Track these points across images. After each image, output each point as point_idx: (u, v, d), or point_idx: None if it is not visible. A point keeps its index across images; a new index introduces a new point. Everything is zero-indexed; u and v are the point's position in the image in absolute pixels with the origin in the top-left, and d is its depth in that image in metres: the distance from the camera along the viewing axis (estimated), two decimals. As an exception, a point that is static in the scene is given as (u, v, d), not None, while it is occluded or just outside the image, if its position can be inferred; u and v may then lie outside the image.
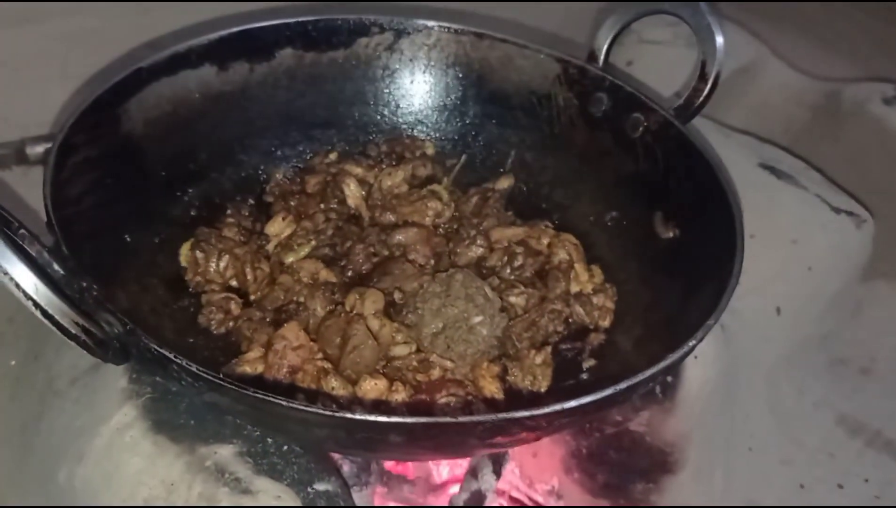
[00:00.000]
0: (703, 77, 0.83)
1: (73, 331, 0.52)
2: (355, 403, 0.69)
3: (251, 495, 0.63)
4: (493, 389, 0.74)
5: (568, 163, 0.92)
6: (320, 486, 0.66)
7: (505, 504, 0.88)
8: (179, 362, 0.52)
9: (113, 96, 0.76)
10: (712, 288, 0.68)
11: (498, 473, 0.85)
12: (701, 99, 0.83)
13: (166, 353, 0.53)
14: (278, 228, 0.85)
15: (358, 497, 0.77)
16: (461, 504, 0.80)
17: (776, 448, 1.07)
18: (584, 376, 0.77)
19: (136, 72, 0.78)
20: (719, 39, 0.82)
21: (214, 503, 0.62)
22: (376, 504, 0.81)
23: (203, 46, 0.83)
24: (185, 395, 0.68)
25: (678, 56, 1.31)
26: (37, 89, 1.20)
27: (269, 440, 0.68)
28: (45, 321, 0.51)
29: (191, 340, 0.74)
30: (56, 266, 0.58)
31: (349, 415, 0.51)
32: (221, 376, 0.52)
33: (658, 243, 0.82)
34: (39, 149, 1.12)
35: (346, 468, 0.77)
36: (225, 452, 0.66)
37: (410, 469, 0.86)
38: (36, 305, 0.50)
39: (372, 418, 0.51)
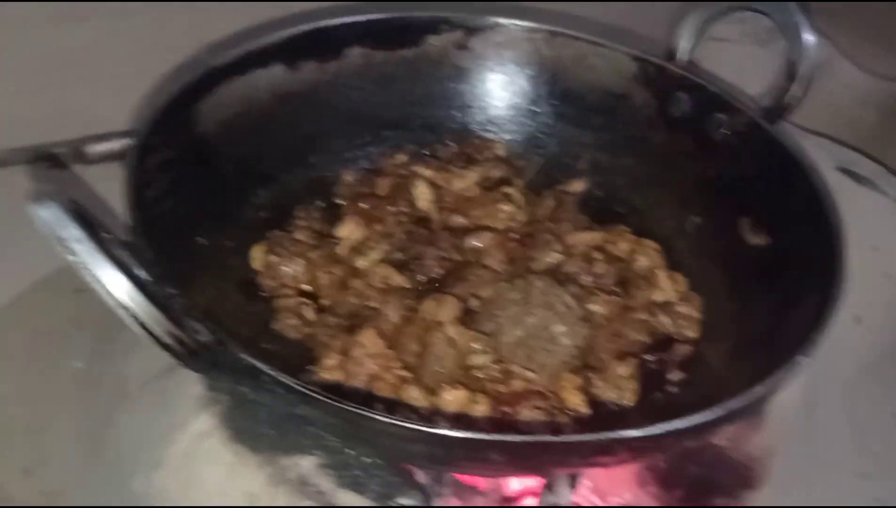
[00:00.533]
0: (791, 77, 0.80)
1: (167, 341, 0.50)
2: (437, 414, 0.67)
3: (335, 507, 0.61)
4: (576, 402, 0.71)
5: (645, 165, 0.89)
6: (403, 500, 0.64)
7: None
8: (273, 374, 0.50)
9: (186, 97, 0.74)
10: (812, 299, 0.65)
11: (573, 486, 0.82)
12: (790, 100, 0.80)
13: (258, 364, 0.51)
14: (349, 231, 0.82)
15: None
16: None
17: (853, 462, 1.04)
18: (673, 389, 0.74)
19: (208, 72, 0.76)
20: (810, 38, 0.79)
21: (299, 516, 0.60)
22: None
23: (274, 45, 0.82)
24: (263, 404, 0.66)
25: (746, 54, 1.27)
26: (95, 88, 1.20)
27: (350, 451, 0.66)
28: (139, 330, 0.49)
29: (265, 346, 0.72)
30: (141, 272, 0.56)
31: (451, 433, 0.49)
32: (316, 389, 0.50)
33: (746, 250, 0.79)
34: (99, 148, 1.12)
35: (419, 477, 0.75)
36: (306, 464, 0.64)
37: (482, 480, 0.83)
38: (130, 314, 0.48)
39: (490, 437, 0.48)
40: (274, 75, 0.83)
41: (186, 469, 0.65)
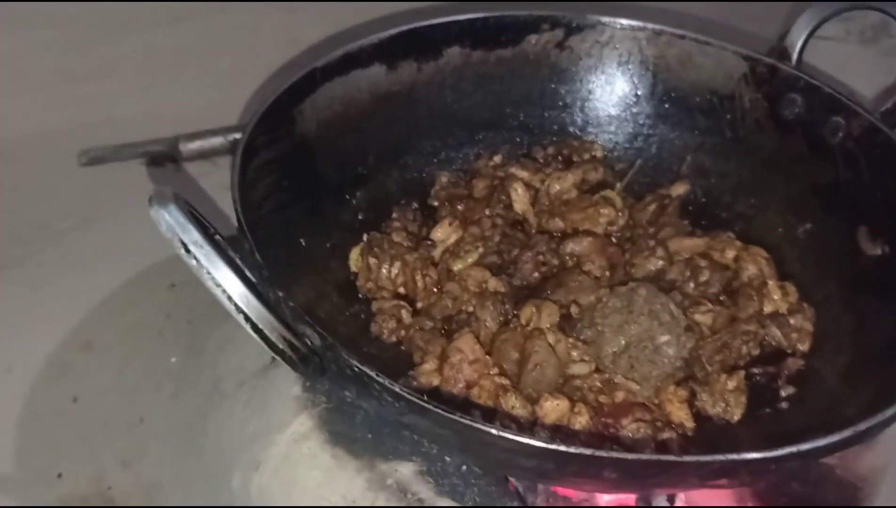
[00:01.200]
0: (916, 77, 0.75)
1: (281, 346, 0.50)
2: (536, 424, 0.65)
3: (435, 516, 0.60)
4: (682, 416, 0.69)
5: (753, 169, 0.85)
6: (501, 510, 0.63)
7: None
8: (382, 381, 0.50)
9: (289, 97, 0.74)
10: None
11: (671, 501, 0.79)
12: (913, 102, 0.75)
13: (369, 372, 0.50)
14: (445, 233, 0.81)
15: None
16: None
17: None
18: (783, 405, 0.70)
19: (311, 72, 0.76)
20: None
21: (400, 523, 0.59)
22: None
23: (374, 45, 0.81)
24: (361, 407, 0.66)
25: (851, 53, 1.22)
26: (188, 87, 1.22)
27: (448, 459, 0.65)
28: (254, 334, 0.49)
29: (364, 349, 0.71)
30: (250, 275, 0.56)
31: (569, 448, 0.47)
32: (428, 399, 0.49)
33: (863, 260, 0.74)
34: (192, 146, 1.14)
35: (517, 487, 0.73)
36: (405, 470, 0.63)
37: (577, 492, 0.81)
38: (246, 318, 0.48)
39: (606, 454, 0.46)
40: (374, 75, 0.82)
41: (286, 471, 0.65)
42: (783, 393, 0.71)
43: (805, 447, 0.49)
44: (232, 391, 0.78)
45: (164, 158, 1.15)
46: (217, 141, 1.13)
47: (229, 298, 0.48)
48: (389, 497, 0.61)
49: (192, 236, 0.47)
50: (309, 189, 0.76)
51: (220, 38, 1.30)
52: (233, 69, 1.26)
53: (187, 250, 0.47)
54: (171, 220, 0.47)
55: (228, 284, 0.48)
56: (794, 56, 0.83)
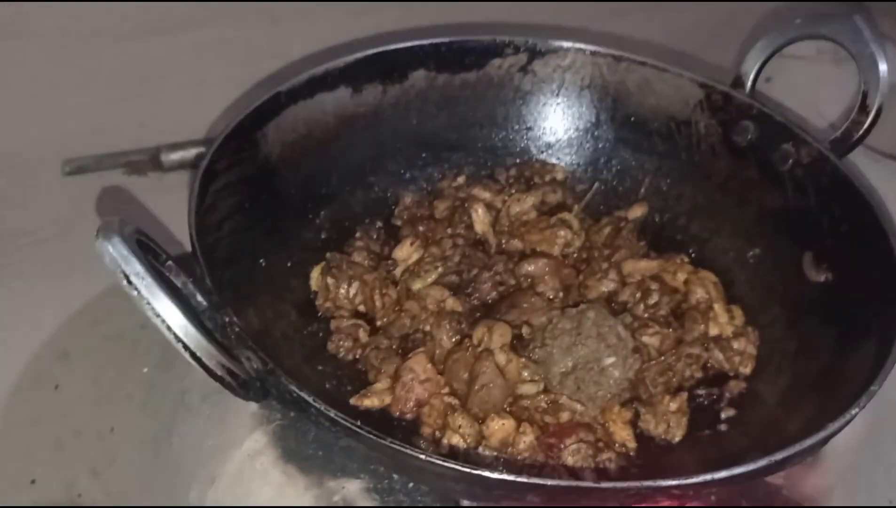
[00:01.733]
0: (863, 109, 0.78)
1: (219, 373, 0.52)
2: (482, 445, 0.67)
3: (378, 534, 0.62)
4: (624, 436, 0.71)
5: (707, 193, 0.88)
6: (446, 528, 0.65)
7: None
8: (319, 407, 0.52)
9: (253, 121, 0.76)
10: (872, 343, 0.64)
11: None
12: (861, 133, 0.77)
13: (306, 397, 0.52)
14: (406, 253, 0.84)
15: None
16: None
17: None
18: (722, 427, 0.72)
19: (275, 96, 0.78)
20: (883, 68, 0.77)
21: (342, 540, 0.61)
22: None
23: (339, 69, 0.83)
24: (313, 425, 0.68)
25: (822, 73, 1.23)
26: (171, 97, 1.24)
27: (395, 476, 0.67)
28: (192, 362, 0.51)
29: (319, 367, 0.74)
30: (199, 298, 0.58)
31: (490, 474, 0.49)
32: (358, 424, 0.51)
33: (807, 286, 0.77)
34: (174, 156, 1.15)
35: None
36: (353, 487, 0.65)
37: None
38: (185, 347, 0.50)
39: (529, 480, 0.49)
40: (339, 98, 0.85)
41: (238, 487, 0.67)
42: (724, 415, 0.73)
43: (721, 475, 0.51)
44: (196, 405, 0.80)
45: (146, 168, 1.17)
46: (199, 151, 1.15)
47: (168, 328, 0.50)
48: (335, 513, 0.63)
49: (134, 267, 0.49)
50: (271, 210, 0.78)
51: (203, 50, 1.31)
52: (216, 80, 1.28)
53: (129, 282, 0.49)
54: (113, 252, 0.49)
55: (168, 314, 0.50)
56: (748, 84, 0.85)
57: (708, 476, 0.50)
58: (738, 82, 0.85)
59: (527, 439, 0.68)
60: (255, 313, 0.70)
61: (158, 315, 0.50)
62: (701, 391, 0.75)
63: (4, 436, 0.85)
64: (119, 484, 0.83)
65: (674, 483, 0.50)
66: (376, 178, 0.89)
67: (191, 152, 1.16)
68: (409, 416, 0.70)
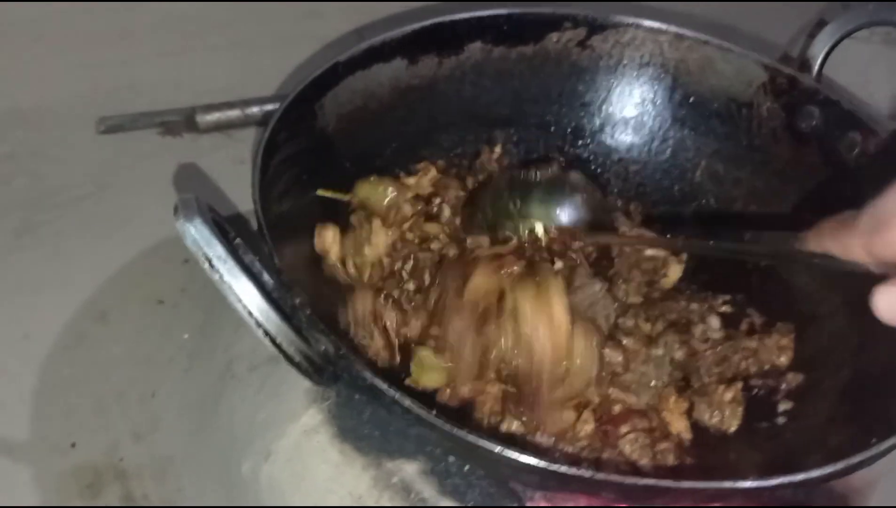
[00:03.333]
0: (936, 98, 0.75)
1: (297, 359, 0.51)
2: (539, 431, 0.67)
3: (437, 516, 0.62)
4: (680, 426, 0.70)
5: (766, 178, 0.86)
6: (501, 510, 0.65)
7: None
8: (393, 394, 0.51)
9: (312, 92, 0.75)
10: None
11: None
12: (933, 124, 0.75)
13: (380, 384, 0.52)
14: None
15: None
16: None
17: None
18: (780, 420, 0.72)
19: (334, 66, 0.77)
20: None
21: (402, 521, 0.61)
22: None
23: (397, 39, 0.81)
24: (370, 404, 0.68)
25: (874, 54, 1.21)
26: (208, 57, 1.22)
27: (451, 459, 0.66)
28: (271, 347, 0.51)
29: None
30: (266, 277, 0.57)
31: (565, 470, 0.49)
32: (435, 413, 0.51)
33: (871, 277, 0.75)
34: (209, 118, 1.14)
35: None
36: (410, 469, 0.65)
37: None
38: (265, 332, 0.50)
39: (596, 475, 0.48)
40: (395, 69, 0.83)
41: (296, 463, 0.67)
42: (781, 408, 0.72)
43: (799, 477, 0.50)
44: (244, 375, 0.79)
45: (180, 129, 1.15)
46: (234, 114, 1.14)
47: (249, 313, 0.49)
48: (393, 495, 0.63)
49: (217, 250, 0.48)
50: (324, 184, 0.77)
51: (241, 10, 1.29)
52: (253, 42, 1.26)
53: (211, 265, 0.48)
54: (196, 234, 0.48)
55: (249, 298, 0.49)
56: (815, 68, 0.82)
57: (784, 479, 0.49)
58: (804, 66, 0.83)
59: (588, 427, 0.67)
60: (314, 292, 0.69)
61: (241, 300, 0.49)
62: (757, 382, 0.74)
63: (43, 398, 0.85)
64: (163, 449, 0.84)
65: (747, 485, 0.49)
66: (429, 151, 0.87)
67: (226, 115, 1.14)
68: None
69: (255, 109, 1.13)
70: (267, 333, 0.50)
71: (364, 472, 0.64)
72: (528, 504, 0.70)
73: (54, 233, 1.01)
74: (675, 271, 0.79)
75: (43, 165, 1.08)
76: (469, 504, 0.64)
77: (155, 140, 1.13)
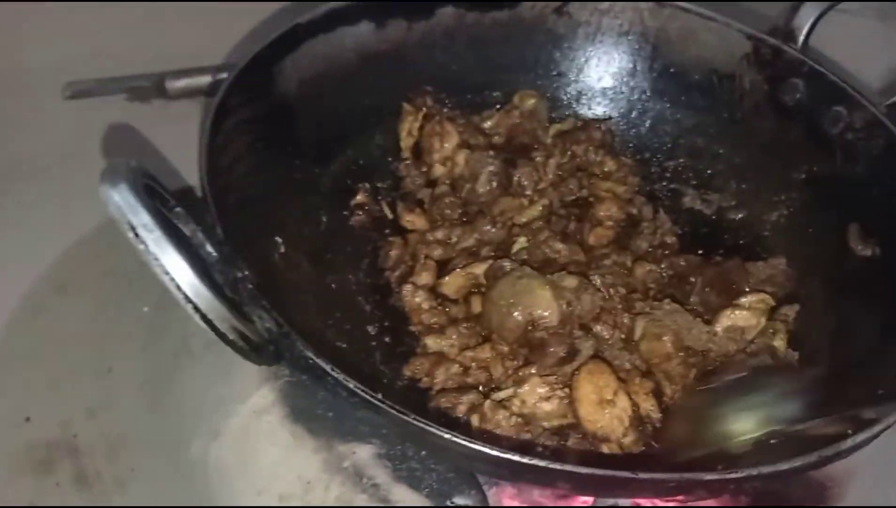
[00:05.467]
0: (925, 72, 0.72)
1: (231, 337, 0.48)
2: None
3: (389, 504, 0.59)
4: (648, 407, 0.67)
5: (747, 153, 0.83)
6: (459, 500, 0.62)
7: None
8: (337, 376, 0.48)
9: (269, 54, 0.71)
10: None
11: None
12: (922, 98, 0.72)
13: (324, 365, 0.48)
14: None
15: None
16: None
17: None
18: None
19: (294, 28, 0.73)
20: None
21: None
22: (504, 504, 0.76)
23: (362, 2, 0.77)
24: (329, 394, 0.65)
25: (866, 29, 1.17)
26: (178, 22, 1.18)
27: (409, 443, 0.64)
28: (202, 324, 0.47)
29: (331, 321, 0.69)
30: (209, 248, 0.54)
31: (524, 459, 0.46)
32: (381, 397, 0.48)
33: (852, 259, 0.72)
34: (179, 84, 1.10)
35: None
36: (363, 453, 0.62)
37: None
38: (196, 308, 0.46)
39: (554, 466, 0.45)
40: (361, 33, 0.79)
41: (245, 445, 0.64)
42: (756, 391, 0.69)
43: (767, 469, 0.47)
44: (199, 352, 0.76)
45: (150, 95, 1.12)
46: (204, 80, 1.10)
47: (178, 286, 0.46)
48: (345, 479, 0.60)
49: (142, 218, 0.45)
50: (286, 151, 0.74)
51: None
52: (224, 6, 1.22)
53: (136, 234, 0.45)
54: (119, 200, 0.45)
55: (177, 272, 0.46)
56: (800, 39, 0.79)
57: (752, 472, 0.47)
58: (789, 37, 0.79)
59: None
60: (266, 265, 0.65)
61: (167, 273, 0.45)
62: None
63: (-1, 370, 0.82)
64: (117, 427, 0.81)
65: (712, 477, 0.46)
66: (397, 120, 0.84)
67: (197, 80, 1.10)
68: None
69: (226, 75, 1.10)
70: (197, 309, 0.46)
71: (314, 455, 0.62)
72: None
73: (16, 204, 0.98)
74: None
75: (7, 131, 1.05)
76: (425, 491, 0.61)
77: (123, 106, 1.10)
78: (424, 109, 0.81)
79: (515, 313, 0.63)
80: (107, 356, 0.85)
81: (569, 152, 0.83)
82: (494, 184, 0.77)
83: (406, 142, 0.82)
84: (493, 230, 0.75)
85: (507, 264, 0.68)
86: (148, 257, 0.45)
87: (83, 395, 0.82)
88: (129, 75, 1.10)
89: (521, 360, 0.64)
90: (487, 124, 0.84)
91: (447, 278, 0.69)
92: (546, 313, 0.63)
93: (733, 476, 0.46)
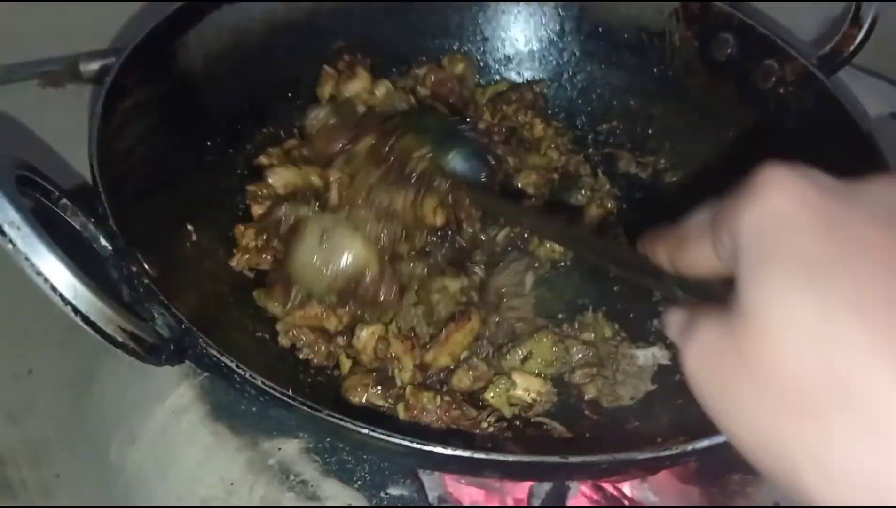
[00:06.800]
0: (856, 21, 0.70)
1: (120, 339, 0.44)
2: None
3: (318, 501, 0.56)
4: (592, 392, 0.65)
5: (680, 113, 0.80)
6: (394, 490, 0.59)
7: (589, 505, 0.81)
8: (243, 373, 0.45)
9: (169, 29, 0.66)
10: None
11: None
12: (852, 48, 0.70)
13: (228, 361, 0.45)
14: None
15: (428, 480, 0.70)
16: (543, 495, 0.73)
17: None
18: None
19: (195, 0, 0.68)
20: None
21: (278, 508, 0.55)
22: (449, 490, 0.74)
23: (270, -31, 0.73)
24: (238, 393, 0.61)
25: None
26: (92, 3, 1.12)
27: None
28: (86, 327, 0.43)
29: (246, 318, 0.65)
30: (103, 241, 0.49)
31: (443, 450, 0.43)
32: (291, 392, 0.44)
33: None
34: (94, 66, 1.05)
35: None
36: (290, 449, 0.59)
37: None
38: (75, 310, 0.42)
39: (480, 455, 0.42)
40: (268, 3, 0.74)
41: (163, 448, 0.60)
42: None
43: (703, 443, 0.45)
44: (117, 350, 0.72)
45: (63, 79, 1.06)
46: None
47: (53, 288, 0.42)
48: (270, 478, 0.57)
49: (8, 215, 0.40)
50: (193, 132, 0.69)
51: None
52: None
53: (2, 233, 0.40)
54: (-20, 196, 0.40)
55: (51, 271, 0.42)
56: (730, -10, 0.76)
57: (686, 447, 0.44)
58: (717, -11, 0.77)
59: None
60: (174, 256, 0.61)
61: (40, 273, 0.41)
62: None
63: (-88, 378, 0.78)
64: (38, 432, 0.77)
65: (645, 456, 0.44)
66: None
67: (113, 62, 1.04)
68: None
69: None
70: (77, 310, 0.42)
71: (238, 454, 0.58)
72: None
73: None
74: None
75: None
76: (357, 484, 0.58)
77: (36, 92, 1.04)
78: (343, 67, 0.76)
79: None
80: (26, 358, 0.81)
81: (500, 114, 0.80)
82: None
83: None
84: None
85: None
86: (18, 256, 0.41)
87: (4, 399, 0.78)
88: (41, 59, 1.04)
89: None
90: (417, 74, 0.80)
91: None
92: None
93: (666, 453, 0.44)
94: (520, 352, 0.62)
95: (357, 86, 0.75)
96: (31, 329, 0.82)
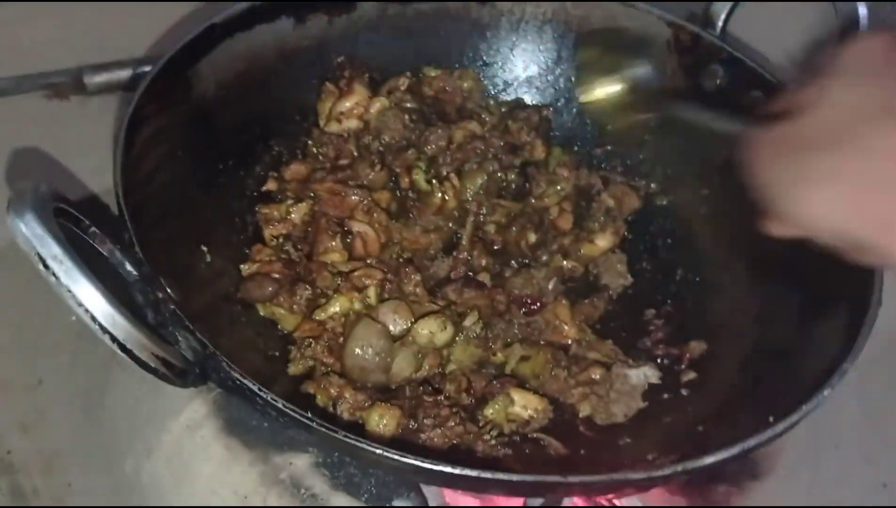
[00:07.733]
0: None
1: (153, 365, 0.47)
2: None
3: (328, 513, 0.59)
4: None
5: (671, 140, 0.83)
6: (399, 502, 0.62)
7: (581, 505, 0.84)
8: (265, 396, 0.48)
9: (184, 58, 0.69)
10: (842, 314, 0.61)
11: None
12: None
13: (251, 384, 0.48)
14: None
15: (428, 491, 0.73)
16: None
17: (861, 445, 1.01)
18: (683, 391, 0.70)
19: (209, 29, 0.71)
20: (863, 11, 0.73)
21: (290, 520, 0.58)
22: (447, 499, 0.77)
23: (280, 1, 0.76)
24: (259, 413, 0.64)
25: (783, 10, 1.19)
26: (95, 13, 1.14)
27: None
28: (122, 354, 0.46)
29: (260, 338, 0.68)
30: (128, 267, 0.52)
31: (452, 469, 0.46)
32: (310, 415, 0.47)
33: (774, 244, 0.74)
34: (99, 78, 1.07)
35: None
36: (300, 463, 0.62)
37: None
38: (113, 339, 0.45)
39: (484, 475, 0.46)
40: (280, 30, 0.77)
41: (178, 461, 0.63)
42: (684, 378, 0.71)
43: (692, 465, 0.48)
44: (130, 362, 0.75)
45: (68, 91, 1.08)
46: (125, 73, 1.07)
47: (93, 318, 0.45)
48: (282, 492, 0.60)
49: (52, 249, 0.43)
50: (207, 157, 0.72)
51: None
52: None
53: (45, 266, 0.43)
54: (26, 231, 0.43)
55: (91, 302, 0.44)
56: (719, 25, 0.80)
57: (678, 467, 0.48)
58: (708, 23, 0.80)
59: None
60: (191, 278, 0.64)
61: (81, 304, 0.44)
62: (662, 351, 0.73)
63: (-76, 388, 0.80)
64: (50, 442, 0.79)
65: (638, 476, 0.47)
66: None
67: (116, 75, 1.07)
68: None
69: (147, 69, 1.06)
70: (114, 339, 0.45)
71: (251, 468, 0.61)
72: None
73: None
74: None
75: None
76: (364, 496, 0.61)
77: (41, 104, 1.06)
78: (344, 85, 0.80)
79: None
80: (38, 368, 0.83)
81: (502, 128, 0.83)
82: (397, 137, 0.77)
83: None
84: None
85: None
86: (60, 289, 0.44)
87: (15, 409, 0.80)
88: (46, 71, 1.06)
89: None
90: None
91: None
92: None
93: (660, 473, 0.47)
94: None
95: (352, 101, 0.78)
96: (41, 340, 0.85)
